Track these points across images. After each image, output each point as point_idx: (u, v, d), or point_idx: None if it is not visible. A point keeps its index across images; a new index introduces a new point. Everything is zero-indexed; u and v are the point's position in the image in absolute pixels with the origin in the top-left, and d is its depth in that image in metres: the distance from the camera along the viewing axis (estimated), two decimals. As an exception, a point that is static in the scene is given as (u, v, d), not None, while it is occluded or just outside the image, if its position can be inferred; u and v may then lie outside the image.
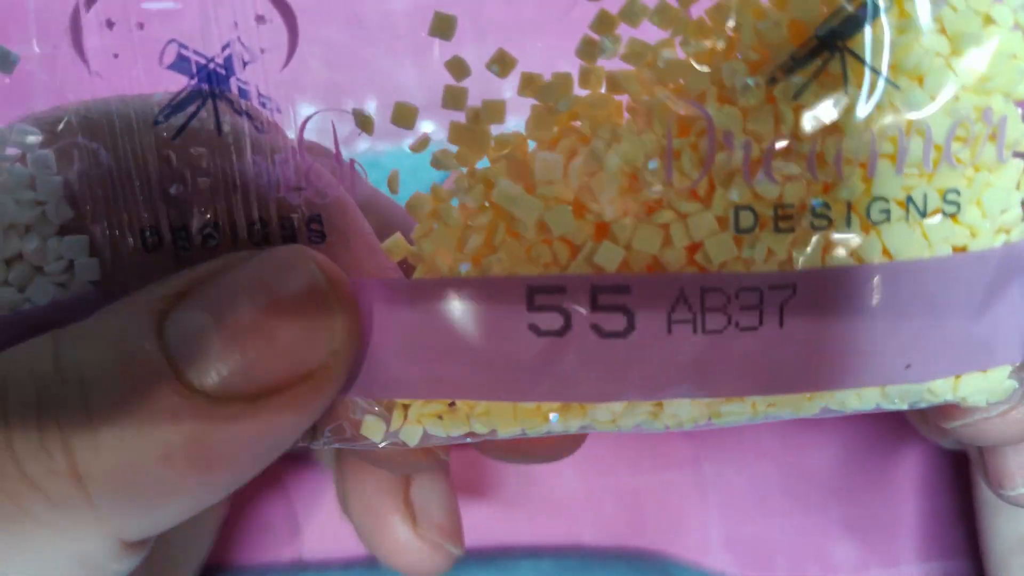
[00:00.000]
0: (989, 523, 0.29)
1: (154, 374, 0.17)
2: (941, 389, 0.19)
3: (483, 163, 0.20)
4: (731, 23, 0.18)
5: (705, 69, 0.18)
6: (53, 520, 0.17)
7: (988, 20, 0.18)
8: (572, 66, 0.19)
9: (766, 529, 0.32)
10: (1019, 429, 0.21)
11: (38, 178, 0.19)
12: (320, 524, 0.32)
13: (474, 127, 0.19)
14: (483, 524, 0.32)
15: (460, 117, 0.19)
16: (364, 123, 0.19)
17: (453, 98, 0.19)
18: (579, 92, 0.19)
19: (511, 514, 0.32)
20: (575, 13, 0.19)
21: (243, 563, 0.32)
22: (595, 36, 0.19)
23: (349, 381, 0.20)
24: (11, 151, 0.19)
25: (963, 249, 0.18)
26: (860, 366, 0.18)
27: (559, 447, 0.23)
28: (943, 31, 0.18)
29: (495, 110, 0.19)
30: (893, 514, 0.32)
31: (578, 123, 0.19)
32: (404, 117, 0.19)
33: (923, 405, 0.19)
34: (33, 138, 0.19)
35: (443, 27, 0.19)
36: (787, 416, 0.19)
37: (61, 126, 0.19)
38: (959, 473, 0.32)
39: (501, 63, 0.19)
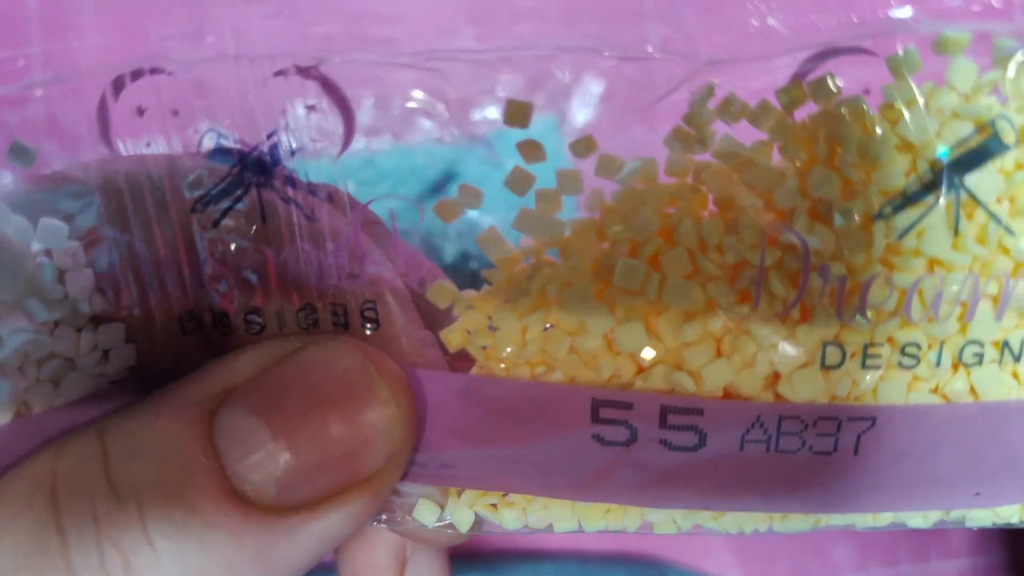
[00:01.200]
0: None
1: (210, 490, 0.17)
2: (1007, 514, 0.19)
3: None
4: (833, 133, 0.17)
5: (794, 182, 0.17)
6: None
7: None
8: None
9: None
10: None
11: (68, 272, 0.18)
12: None
13: (546, 216, 0.18)
14: None
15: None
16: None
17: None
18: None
19: None
20: (667, 103, 0.17)
21: None
22: (688, 128, 0.17)
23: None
24: (36, 247, 0.18)
25: (1050, 386, 0.18)
26: (929, 494, 0.18)
27: None
28: (1065, 168, 0.16)
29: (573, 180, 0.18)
30: None
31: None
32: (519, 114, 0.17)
33: (988, 526, 0.19)
34: (58, 231, 0.18)
35: (519, 115, 0.17)
36: (845, 526, 0.19)
37: (89, 215, 0.18)
38: None
39: (585, 145, 0.18)
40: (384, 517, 0.21)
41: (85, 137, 0.17)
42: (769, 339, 0.17)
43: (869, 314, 0.17)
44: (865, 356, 0.17)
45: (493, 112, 0.18)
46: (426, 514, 0.20)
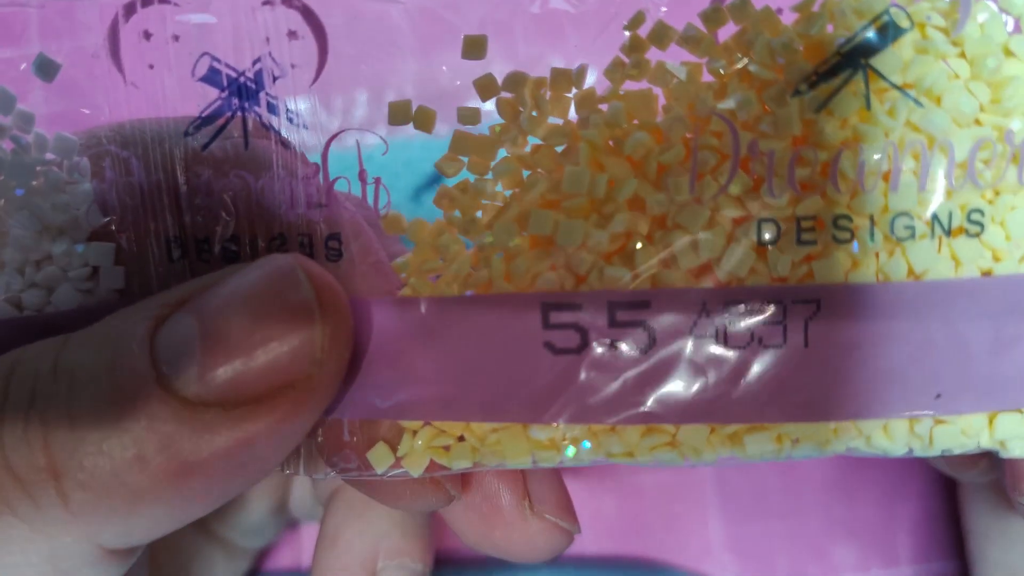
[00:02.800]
0: (981, 553, 0.29)
1: (139, 378, 0.18)
2: (974, 429, 0.19)
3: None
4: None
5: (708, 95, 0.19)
6: (30, 515, 0.17)
7: (1007, 51, 0.18)
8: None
9: (766, 530, 0.33)
10: None
11: (71, 184, 0.20)
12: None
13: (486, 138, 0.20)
14: None
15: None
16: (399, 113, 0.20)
17: (468, 117, 0.20)
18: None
19: None
20: (605, 35, 0.20)
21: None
22: (624, 58, 0.20)
23: (353, 402, 0.20)
24: (49, 156, 0.20)
25: (989, 272, 0.18)
26: (887, 392, 0.18)
27: (539, 542, 0.23)
28: (963, 55, 0.18)
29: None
30: (893, 515, 0.33)
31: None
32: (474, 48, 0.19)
33: (958, 451, 0.19)
34: (70, 144, 0.20)
35: (475, 48, 0.20)
36: (812, 455, 0.19)
37: (96, 137, 0.20)
38: None
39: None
40: (339, 466, 0.21)
41: (99, 56, 0.19)
42: (699, 222, 0.18)
43: (798, 186, 0.18)
44: (799, 231, 0.18)
45: (487, 105, 0.21)
46: (380, 458, 0.20)
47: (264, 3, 0.20)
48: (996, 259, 0.18)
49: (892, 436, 0.19)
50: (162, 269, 0.21)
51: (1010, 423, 0.19)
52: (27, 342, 0.19)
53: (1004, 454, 0.19)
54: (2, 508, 0.17)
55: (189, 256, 0.20)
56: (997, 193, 0.18)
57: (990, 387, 0.18)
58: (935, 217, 0.18)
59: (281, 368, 0.18)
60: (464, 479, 0.22)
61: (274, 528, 0.31)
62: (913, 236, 0.18)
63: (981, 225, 0.18)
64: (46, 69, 0.20)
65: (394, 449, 0.20)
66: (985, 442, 0.19)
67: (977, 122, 0.18)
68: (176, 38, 0.20)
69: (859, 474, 0.33)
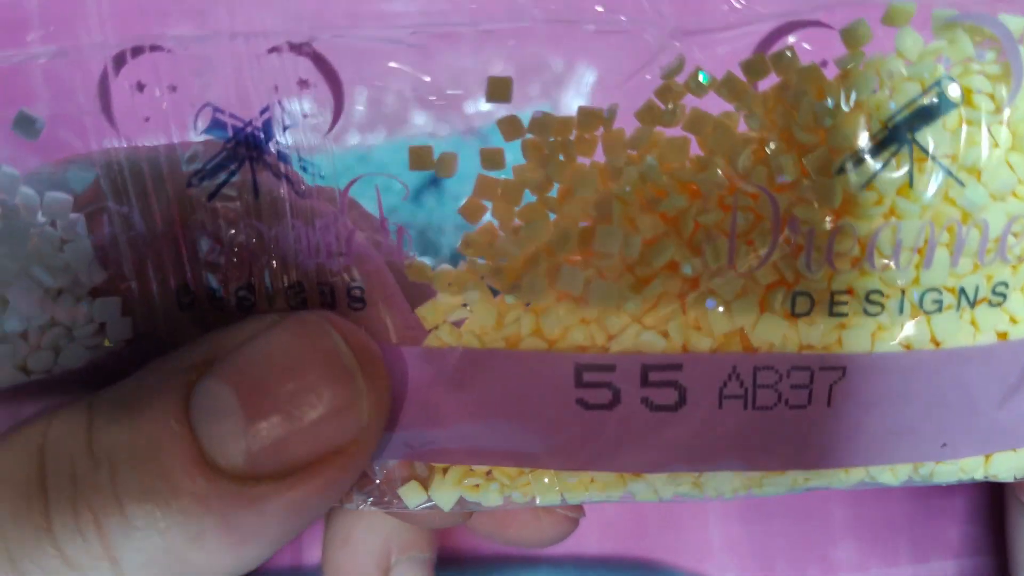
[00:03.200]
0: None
1: (180, 457, 0.18)
2: (971, 467, 0.20)
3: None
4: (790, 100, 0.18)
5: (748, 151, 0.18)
6: None
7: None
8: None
9: (766, 530, 0.33)
10: None
11: (69, 242, 0.19)
12: (320, 530, 0.32)
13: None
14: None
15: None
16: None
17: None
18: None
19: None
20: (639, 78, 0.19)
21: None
22: (659, 103, 0.19)
23: (385, 444, 0.20)
24: (41, 218, 0.18)
25: (1004, 336, 0.19)
26: (899, 445, 0.19)
27: (549, 534, 0.24)
28: (1005, 123, 0.18)
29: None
30: (893, 514, 0.33)
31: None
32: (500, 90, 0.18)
33: (953, 481, 0.20)
34: (63, 203, 0.18)
35: (499, 90, 0.18)
36: (822, 487, 0.21)
37: (91, 186, 0.19)
38: None
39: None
40: (371, 500, 0.21)
41: (88, 111, 0.18)
42: (734, 291, 0.18)
43: (835, 263, 0.18)
44: (832, 303, 0.18)
45: (487, 104, 0.19)
46: (411, 495, 0.21)
47: (270, 50, 0.18)
48: (1013, 322, 0.19)
49: (897, 475, 0.20)
50: (172, 317, 0.20)
51: (1004, 460, 0.20)
52: (36, 406, 0.19)
53: (993, 480, 0.21)
54: None
55: (200, 304, 0.20)
56: (1021, 262, 0.19)
57: (990, 435, 0.20)
58: (962, 291, 0.19)
59: (328, 437, 0.18)
60: None
61: None
62: (940, 309, 0.19)
63: (1004, 296, 0.19)
64: (26, 126, 0.18)
65: (425, 486, 0.21)
66: (979, 476, 0.20)
67: (1013, 195, 0.18)
68: (173, 88, 0.18)
69: None
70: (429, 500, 0.21)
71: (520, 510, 0.24)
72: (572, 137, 0.19)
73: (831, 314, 0.19)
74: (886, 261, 0.18)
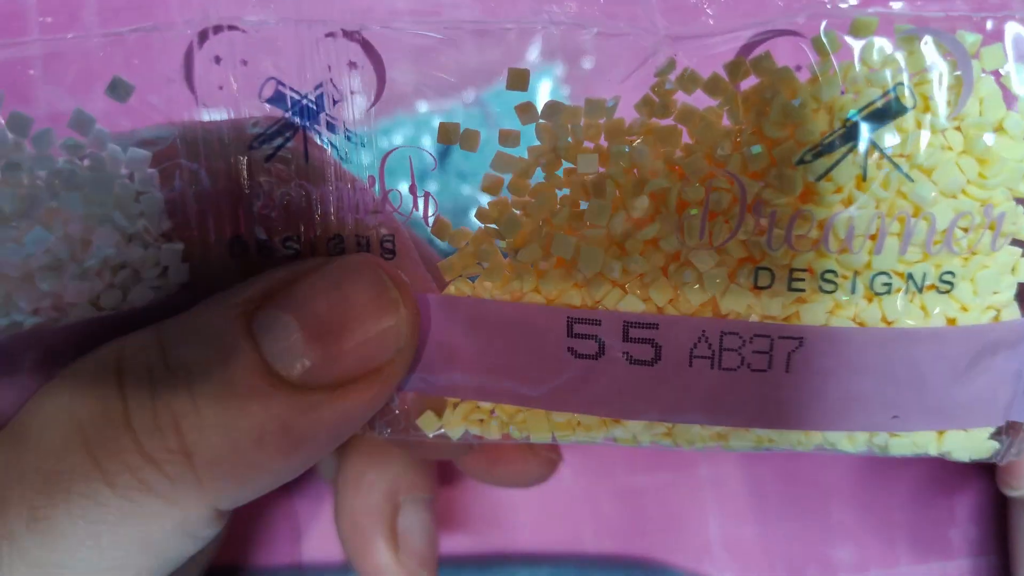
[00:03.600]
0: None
1: (248, 368, 0.21)
2: (924, 442, 0.22)
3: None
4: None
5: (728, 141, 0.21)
6: (166, 491, 0.21)
7: (1000, 128, 0.20)
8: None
9: (765, 531, 0.34)
10: None
11: (144, 194, 0.23)
12: (320, 530, 0.34)
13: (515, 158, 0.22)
14: (481, 530, 0.34)
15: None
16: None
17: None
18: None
19: (510, 519, 0.34)
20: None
21: (244, 564, 0.34)
22: (654, 96, 0.22)
23: (408, 379, 0.24)
24: (124, 170, 0.22)
25: (954, 322, 0.21)
26: (852, 413, 0.22)
27: (532, 475, 0.27)
28: (959, 129, 0.20)
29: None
30: (893, 514, 0.34)
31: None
32: (519, 80, 0.22)
33: (909, 455, 0.23)
34: (142, 159, 0.22)
35: (518, 81, 0.22)
36: (786, 449, 0.23)
37: (168, 147, 0.23)
38: (957, 474, 0.34)
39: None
40: (391, 430, 0.24)
41: (173, 79, 0.22)
42: (708, 263, 0.21)
43: (795, 244, 0.21)
44: (791, 280, 0.21)
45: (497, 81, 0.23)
46: (428, 424, 0.24)
47: (327, 35, 0.22)
48: (963, 310, 0.21)
49: (854, 443, 0.22)
50: (223, 263, 0.23)
51: (956, 438, 0.22)
52: (107, 338, 0.22)
53: (948, 459, 0.23)
54: (141, 487, 0.21)
55: (250, 253, 0.23)
56: (974, 253, 0.21)
57: (941, 412, 0.22)
58: (910, 276, 0.21)
59: (373, 355, 0.22)
60: None
61: None
62: (889, 291, 0.21)
63: (951, 284, 0.21)
64: (120, 90, 0.22)
65: (440, 416, 0.24)
66: (933, 451, 0.23)
67: (964, 192, 0.20)
68: (244, 63, 0.22)
69: (858, 475, 0.34)
70: (441, 429, 0.24)
71: (508, 452, 0.27)
72: (581, 123, 0.22)
73: (790, 289, 0.21)
74: (841, 245, 0.21)
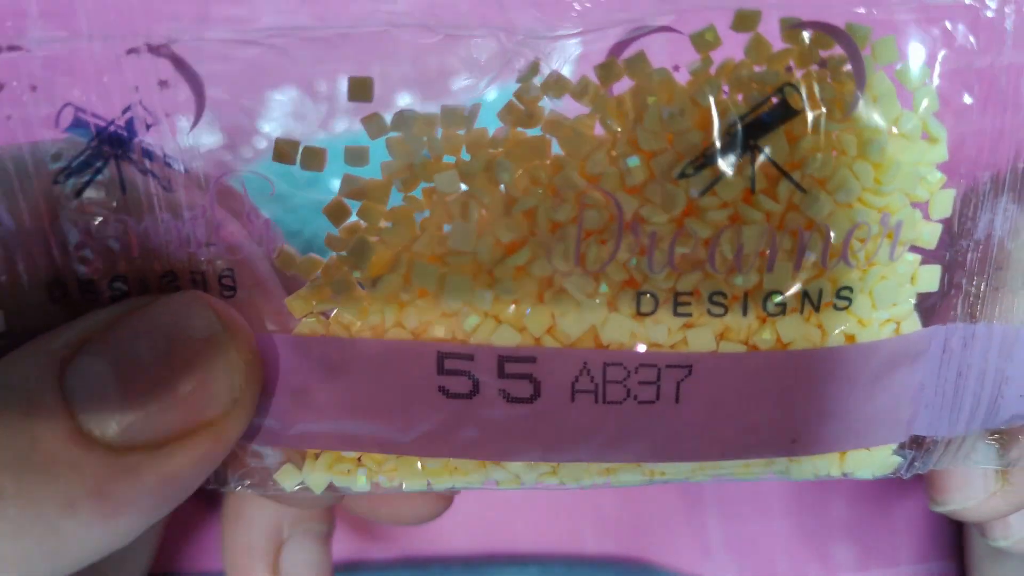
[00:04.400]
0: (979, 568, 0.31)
1: (55, 428, 0.18)
2: (825, 464, 0.21)
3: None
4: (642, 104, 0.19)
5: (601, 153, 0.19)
6: None
7: (897, 125, 0.19)
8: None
9: (766, 530, 0.34)
10: (993, 513, 0.23)
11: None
12: None
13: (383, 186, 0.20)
14: (480, 532, 0.33)
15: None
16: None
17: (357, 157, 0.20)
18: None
19: (510, 518, 0.33)
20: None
21: (182, 571, 0.33)
22: (518, 103, 0.19)
23: (257, 430, 0.21)
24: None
25: (852, 338, 0.20)
26: (748, 439, 0.20)
27: (422, 512, 0.25)
28: (852, 132, 0.19)
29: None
30: (893, 515, 0.34)
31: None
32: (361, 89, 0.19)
33: (811, 478, 0.21)
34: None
35: (361, 90, 0.19)
36: (679, 481, 0.21)
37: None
38: None
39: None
40: (248, 483, 0.22)
41: (-52, 111, 0.18)
42: (584, 290, 0.19)
43: (678, 264, 0.19)
44: (676, 304, 0.19)
45: (406, 98, 0.20)
46: (287, 478, 0.22)
47: (129, 51, 0.19)
48: (861, 325, 0.20)
49: (751, 470, 0.21)
50: (43, 311, 0.21)
51: (857, 458, 0.21)
52: None
53: (850, 478, 0.22)
54: None
55: (71, 297, 0.21)
56: (871, 265, 0.19)
57: (842, 433, 0.20)
58: (806, 294, 0.19)
59: (202, 408, 0.19)
60: None
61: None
62: (783, 312, 0.19)
63: (849, 300, 0.19)
64: None
65: (299, 469, 0.22)
66: (835, 472, 0.21)
67: (860, 201, 0.19)
68: (33, 88, 0.19)
69: None
70: (302, 483, 0.22)
71: (394, 500, 0.25)
72: (438, 135, 0.20)
73: (676, 314, 0.19)
74: (728, 264, 0.19)
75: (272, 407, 0.21)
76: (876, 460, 0.21)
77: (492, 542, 0.34)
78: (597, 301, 0.19)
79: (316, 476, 0.22)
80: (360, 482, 0.22)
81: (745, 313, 0.19)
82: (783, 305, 0.19)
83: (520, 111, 0.19)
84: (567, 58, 0.19)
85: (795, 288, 0.19)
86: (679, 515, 0.34)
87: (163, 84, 0.19)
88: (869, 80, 0.18)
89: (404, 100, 0.20)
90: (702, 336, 0.19)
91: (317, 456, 0.22)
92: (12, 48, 0.18)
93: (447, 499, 0.25)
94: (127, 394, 0.19)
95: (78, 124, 0.19)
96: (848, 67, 0.18)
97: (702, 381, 0.20)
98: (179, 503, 0.21)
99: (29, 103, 0.19)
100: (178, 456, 0.19)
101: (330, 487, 0.22)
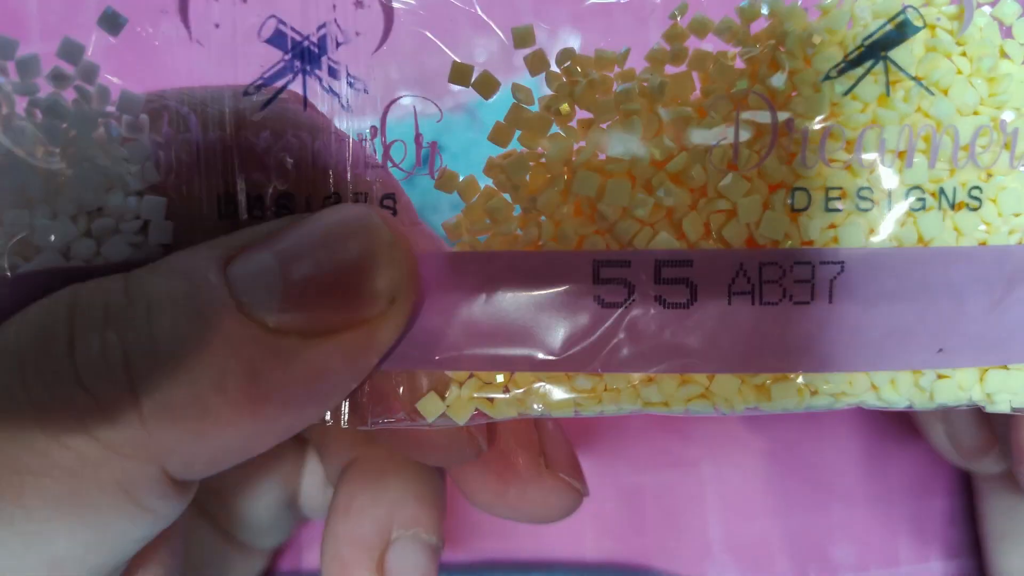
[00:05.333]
0: (998, 554, 0.31)
1: (216, 301, 0.18)
2: (968, 383, 0.21)
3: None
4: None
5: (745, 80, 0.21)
6: (106, 436, 0.18)
7: (1002, 52, 0.22)
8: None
9: (766, 530, 0.34)
10: None
11: (131, 139, 0.21)
12: (320, 537, 0.32)
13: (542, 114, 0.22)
14: (477, 533, 0.33)
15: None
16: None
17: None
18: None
19: (511, 524, 0.32)
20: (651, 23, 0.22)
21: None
22: (665, 44, 0.22)
23: (406, 353, 0.21)
24: (110, 108, 0.21)
25: (984, 243, 0.21)
26: (899, 346, 0.21)
27: (551, 502, 0.25)
28: (964, 54, 0.21)
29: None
30: (893, 514, 0.34)
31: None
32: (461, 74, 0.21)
33: (952, 404, 0.22)
34: (135, 100, 0.21)
35: (523, 39, 0.22)
36: (826, 407, 0.22)
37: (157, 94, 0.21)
38: (957, 474, 0.34)
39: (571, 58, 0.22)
40: (387, 418, 0.22)
41: (166, 12, 0.20)
42: (740, 191, 0.21)
43: (829, 161, 0.21)
44: (827, 199, 0.21)
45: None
46: (429, 407, 0.22)
47: (333, -30, 0.21)
48: (989, 232, 0.21)
49: (898, 389, 0.22)
50: (211, 225, 0.21)
51: (997, 378, 0.22)
52: None
53: (990, 408, 0.22)
54: (77, 428, 0.18)
55: (239, 213, 0.21)
56: (991, 175, 0.21)
57: (983, 345, 0.21)
58: (942, 191, 0.21)
59: (359, 303, 0.20)
60: (489, 434, 0.24)
61: (286, 526, 0.32)
62: (923, 207, 0.21)
63: (979, 200, 0.21)
64: (112, 23, 0.20)
65: (443, 397, 0.22)
66: (976, 396, 0.22)
67: (977, 112, 0.21)
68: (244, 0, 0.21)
69: (858, 474, 0.34)
70: (444, 412, 0.21)
71: (524, 470, 0.24)
72: (593, 73, 0.22)
73: (827, 209, 0.21)
74: (873, 160, 0.21)
75: (422, 327, 0.21)
76: (1016, 383, 0.22)
77: (493, 549, 0.33)
78: (752, 201, 0.21)
79: (461, 404, 0.21)
80: (506, 408, 0.21)
81: (890, 208, 0.21)
82: (923, 201, 0.21)
83: (667, 51, 0.22)
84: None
85: (931, 185, 0.21)
86: (679, 516, 0.34)
87: (358, 4, 0.21)
88: (974, 13, 0.22)
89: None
90: (852, 232, 0.21)
91: (462, 384, 0.22)
92: (230, -39, 0.21)
93: (578, 494, 0.25)
94: (289, 280, 0.19)
95: (277, 37, 0.21)
96: (953, 2, 0.22)
97: (854, 279, 0.21)
98: (324, 409, 0.20)
99: (238, 13, 0.21)
100: (331, 348, 0.19)
101: (473, 417, 0.22)
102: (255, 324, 0.19)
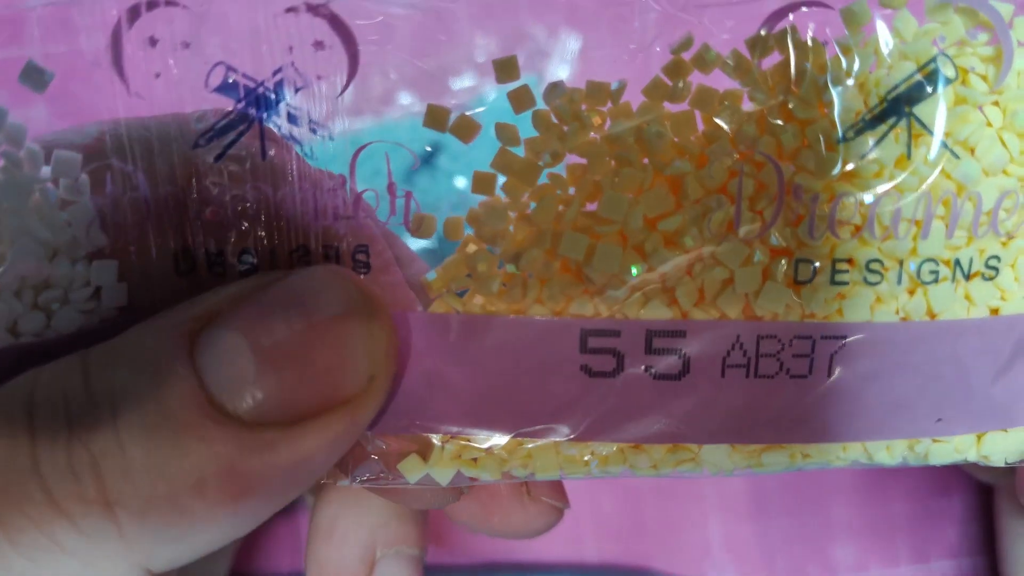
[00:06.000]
0: (1013, 553, 0.31)
1: (187, 398, 0.17)
2: (964, 446, 0.21)
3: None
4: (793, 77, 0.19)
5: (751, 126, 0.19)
6: (80, 549, 0.17)
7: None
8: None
9: (766, 530, 0.34)
10: None
11: (71, 203, 0.19)
12: None
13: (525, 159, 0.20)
14: (476, 537, 0.33)
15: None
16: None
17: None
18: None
19: None
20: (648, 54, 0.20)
21: (245, 572, 0.32)
22: (666, 79, 0.20)
23: (386, 414, 0.20)
24: (45, 172, 0.19)
25: (996, 311, 0.20)
26: (896, 418, 0.20)
27: (534, 524, 0.24)
28: (997, 104, 0.19)
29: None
30: (893, 514, 0.34)
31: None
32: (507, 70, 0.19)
33: (947, 462, 0.21)
34: (71, 161, 0.19)
35: (506, 71, 0.19)
36: (818, 467, 0.21)
37: (95, 144, 0.19)
38: (958, 474, 0.35)
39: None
40: (368, 476, 0.21)
41: (98, 64, 0.18)
42: (739, 258, 0.19)
43: (838, 231, 0.19)
44: (833, 271, 0.19)
45: (469, 80, 0.20)
46: (411, 469, 0.21)
47: (287, 10, 0.19)
48: (1004, 299, 0.20)
49: (893, 454, 0.21)
50: (169, 284, 0.20)
51: (995, 441, 0.21)
52: (25, 370, 0.18)
53: (985, 464, 0.22)
54: (49, 546, 0.17)
55: (199, 270, 0.20)
56: (1011, 238, 0.20)
57: (983, 412, 0.21)
58: (957, 263, 0.20)
59: (339, 385, 0.19)
60: None
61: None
62: (936, 280, 0.20)
63: (996, 270, 0.20)
64: (35, 79, 0.18)
65: (425, 458, 0.21)
66: (972, 456, 0.21)
67: (1005, 172, 0.19)
68: (186, 45, 0.18)
69: (858, 474, 0.34)
70: (427, 473, 0.21)
71: (506, 499, 0.24)
72: (583, 109, 0.20)
73: (832, 282, 0.19)
74: (886, 231, 0.19)
75: (403, 390, 0.20)
76: (1012, 444, 0.21)
77: (493, 551, 0.34)
78: (751, 271, 0.19)
79: (443, 465, 0.21)
80: (490, 470, 0.21)
81: (900, 281, 0.20)
82: (936, 273, 0.20)
83: (667, 86, 0.20)
84: (717, 29, 0.20)
85: (947, 254, 0.19)
86: (679, 516, 0.34)
87: (318, 45, 0.19)
88: (1015, 59, 0.19)
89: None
90: (858, 306, 0.20)
91: (444, 445, 0.21)
92: (169, 3, 0.18)
93: (558, 512, 0.25)
94: (262, 367, 0.18)
95: (227, 85, 0.19)
96: (995, 42, 0.19)
97: (855, 353, 0.20)
98: (307, 489, 0.20)
99: (181, 60, 0.18)
100: (313, 434, 0.18)
101: (456, 477, 0.21)
102: (231, 421, 0.18)
